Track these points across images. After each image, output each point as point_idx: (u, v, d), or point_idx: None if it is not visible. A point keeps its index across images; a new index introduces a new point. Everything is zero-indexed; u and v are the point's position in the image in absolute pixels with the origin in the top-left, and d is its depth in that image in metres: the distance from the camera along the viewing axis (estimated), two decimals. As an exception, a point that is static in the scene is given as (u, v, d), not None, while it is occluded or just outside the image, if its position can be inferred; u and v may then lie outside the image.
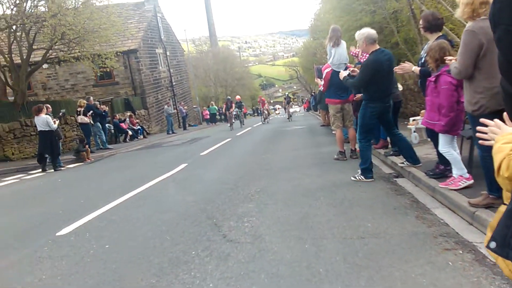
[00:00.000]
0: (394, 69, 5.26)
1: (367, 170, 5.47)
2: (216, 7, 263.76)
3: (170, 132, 22.63)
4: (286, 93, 28.56)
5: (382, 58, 5.31)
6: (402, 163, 5.77)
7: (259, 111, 30.52)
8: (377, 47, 5.39)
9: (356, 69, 5.82)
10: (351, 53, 7.38)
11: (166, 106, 23.71)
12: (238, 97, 24.92)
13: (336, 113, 7.25)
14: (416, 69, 4.90)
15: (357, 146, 7.69)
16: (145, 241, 4.04)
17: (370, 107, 5.39)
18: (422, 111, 7.45)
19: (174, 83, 30.63)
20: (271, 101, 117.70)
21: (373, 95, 5.38)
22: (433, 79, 4.21)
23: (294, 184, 5.84)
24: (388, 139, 6.93)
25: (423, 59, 4.74)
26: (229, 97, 25.11)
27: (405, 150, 5.66)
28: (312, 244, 3.41)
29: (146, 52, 25.50)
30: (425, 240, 3.25)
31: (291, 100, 25.09)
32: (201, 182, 7.02)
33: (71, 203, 6.44)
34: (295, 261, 3.11)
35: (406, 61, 5.21)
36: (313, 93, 37.04)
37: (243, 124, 23.24)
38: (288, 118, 25.40)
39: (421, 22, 4.83)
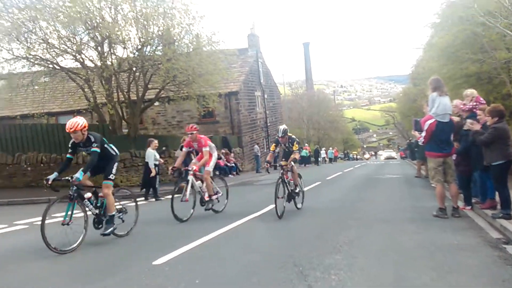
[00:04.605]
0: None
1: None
2: (314, 51, 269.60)
3: (261, 171, 23.26)
4: (282, 127, 8.60)
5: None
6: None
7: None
8: None
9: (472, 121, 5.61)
10: (456, 105, 6.99)
11: (255, 146, 24.66)
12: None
13: (438, 167, 6.81)
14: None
15: (459, 204, 7.14)
16: (233, 280, 4.12)
17: None
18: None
19: (268, 124, 31.68)
20: (364, 146, 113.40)
21: None
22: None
23: (387, 239, 5.55)
24: (498, 198, 6.28)
25: None
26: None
27: None
28: (406, 309, 3.18)
29: (246, 94, 26.98)
30: (541, 322, 2.85)
31: (297, 141, 8.72)
32: (288, 226, 7.02)
33: (167, 233, 6.87)
34: (385, 325, 2.93)
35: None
36: (410, 139, 35.30)
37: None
38: (282, 197, 7.69)
39: None
